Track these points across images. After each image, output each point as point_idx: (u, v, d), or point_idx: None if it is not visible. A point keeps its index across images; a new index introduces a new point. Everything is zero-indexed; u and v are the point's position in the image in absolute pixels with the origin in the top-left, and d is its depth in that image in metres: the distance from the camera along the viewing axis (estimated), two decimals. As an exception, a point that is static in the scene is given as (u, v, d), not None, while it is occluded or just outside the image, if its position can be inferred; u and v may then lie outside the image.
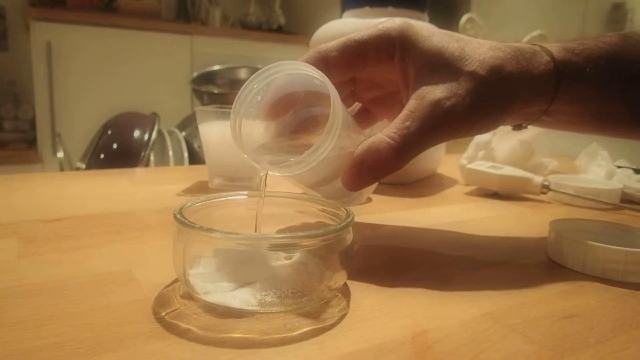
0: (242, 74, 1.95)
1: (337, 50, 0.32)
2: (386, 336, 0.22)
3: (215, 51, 2.45)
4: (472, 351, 0.21)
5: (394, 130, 0.30)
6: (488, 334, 0.22)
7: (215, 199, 0.29)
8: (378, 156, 0.29)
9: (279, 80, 0.30)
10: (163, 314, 0.23)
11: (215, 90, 1.76)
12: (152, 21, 2.46)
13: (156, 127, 1.20)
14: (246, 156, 0.29)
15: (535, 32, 0.93)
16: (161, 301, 0.24)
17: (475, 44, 0.32)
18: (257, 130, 0.32)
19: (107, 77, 2.27)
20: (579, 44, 0.33)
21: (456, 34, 0.33)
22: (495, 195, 0.54)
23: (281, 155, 0.31)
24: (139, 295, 0.25)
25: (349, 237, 0.26)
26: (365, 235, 0.37)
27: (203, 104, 1.68)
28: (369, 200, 0.49)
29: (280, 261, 0.25)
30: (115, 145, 1.19)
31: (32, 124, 2.32)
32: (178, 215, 0.24)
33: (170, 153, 1.18)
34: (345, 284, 0.27)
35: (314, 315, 0.23)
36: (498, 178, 0.53)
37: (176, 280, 0.26)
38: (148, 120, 1.23)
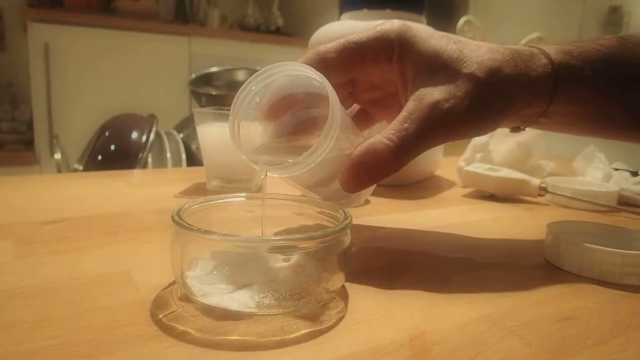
0: (240, 75, 1.95)
1: (335, 52, 0.32)
2: (384, 338, 0.22)
3: (214, 52, 2.45)
4: (469, 353, 0.21)
5: (393, 132, 0.30)
6: (486, 336, 0.22)
7: (213, 200, 0.29)
8: (376, 158, 0.29)
9: (277, 82, 0.30)
10: (160, 316, 0.23)
11: (213, 91, 1.76)
12: (150, 22, 2.46)
13: (154, 129, 1.19)
14: (244, 157, 0.29)
15: (533, 35, 0.93)
16: (159, 303, 0.24)
17: (473, 46, 0.32)
18: (256, 131, 0.32)
19: (104, 78, 2.27)
20: (576, 46, 0.33)
21: (454, 36, 0.33)
22: (492, 197, 0.54)
23: (280, 156, 0.31)
24: (136, 297, 0.25)
25: (347, 239, 0.26)
26: (363, 237, 0.37)
27: (201, 106, 1.68)
28: (367, 202, 0.49)
29: (278, 263, 0.25)
30: (112, 147, 1.18)
31: (30, 125, 2.32)
32: (176, 217, 0.24)
33: (168, 155, 1.18)
34: (343, 286, 0.27)
35: (311, 317, 0.23)
36: (495, 180, 0.53)
37: (174, 283, 0.26)
38: (146, 122, 1.22)
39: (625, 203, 0.52)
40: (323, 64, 0.32)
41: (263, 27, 2.97)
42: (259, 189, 0.29)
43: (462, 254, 0.35)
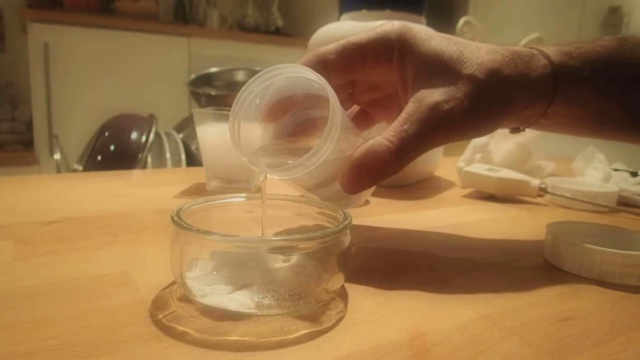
0: (240, 76, 1.95)
1: (335, 53, 0.32)
2: (383, 339, 0.22)
3: (213, 53, 2.45)
4: (469, 354, 0.21)
5: (393, 133, 0.30)
6: (485, 337, 0.22)
7: (212, 201, 0.29)
8: (377, 159, 0.29)
9: (277, 83, 0.30)
10: (160, 316, 0.23)
11: (213, 92, 1.76)
12: (150, 23, 2.46)
13: (153, 129, 1.19)
14: (245, 159, 0.29)
15: (533, 35, 0.93)
16: (158, 304, 0.24)
17: (473, 47, 0.32)
18: (256, 132, 0.32)
19: (104, 78, 2.27)
20: (576, 47, 0.33)
21: (454, 37, 0.33)
22: (492, 197, 0.54)
23: (280, 158, 0.31)
24: (135, 297, 0.25)
25: (347, 239, 0.26)
26: (363, 238, 0.37)
27: (200, 106, 1.68)
28: (367, 202, 0.49)
29: (278, 264, 0.25)
30: (112, 147, 1.18)
31: (29, 125, 2.32)
32: (175, 218, 0.24)
33: (168, 155, 1.18)
34: (342, 286, 0.27)
35: (311, 317, 0.23)
36: (495, 181, 0.53)
37: (173, 283, 0.26)
38: (145, 122, 1.22)
39: (624, 204, 0.53)
40: (323, 65, 0.32)
41: (263, 27, 2.97)
42: (259, 190, 0.29)
43: (461, 254, 0.35)
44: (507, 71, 0.31)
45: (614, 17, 2.39)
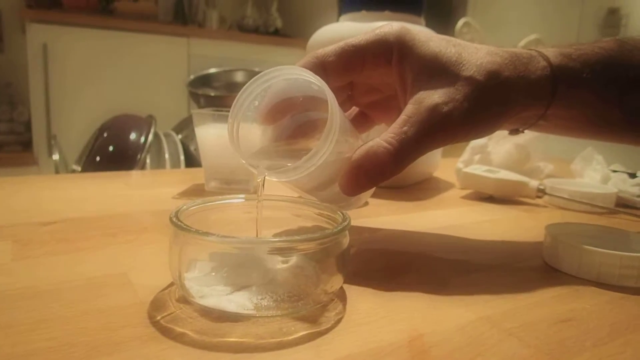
0: (239, 76, 1.95)
1: (334, 55, 0.32)
2: (382, 340, 0.22)
3: (212, 54, 2.45)
4: (468, 355, 0.21)
5: (392, 135, 0.30)
6: (484, 338, 0.22)
7: (211, 202, 0.29)
8: (376, 161, 0.29)
9: (276, 85, 0.30)
10: (158, 317, 0.23)
11: (212, 93, 1.76)
12: (149, 23, 2.46)
13: (152, 130, 1.19)
14: (243, 161, 0.29)
15: (532, 37, 0.93)
16: (156, 305, 0.24)
17: (472, 49, 0.32)
18: (255, 134, 0.32)
19: (103, 79, 2.27)
20: (575, 49, 0.33)
21: (453, 39, 0.33)
22: (491, 199, 0.54)
23: (279, 160, 0.31)
24: (134, 298, 0.25)
25: (346, 240, 0.26)
26: (362, 239, 0.37)
27: (200, 107, 1.68)
28: (366, 203, 0.49)
29: (277, 265, 0.25)
30: (111, 148, 1.18)
31: (28, 126, 2.32)
32: (174, 219, 0.24)
33: (167, 156, 1.18)
34: (341, 287, 0.27)
35: (310, 319, 0.23)
36: (494, 182, 0.53)
37: (172, 284, 0.26)
38: (144, 123, 1.22)
39: (623, 205, 0.53)
40: (322, 67, 0.32)
41: (262, 28, 2.97)
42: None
43: (460, 255, 0.35)
44: (506, 73, 0.31)
45: (612, 18, 2.40)
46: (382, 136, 0.30)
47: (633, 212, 0.50)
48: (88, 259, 0.31)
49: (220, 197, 0.30)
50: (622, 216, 0.50)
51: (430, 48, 0.31)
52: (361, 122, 0.39)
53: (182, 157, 1.19)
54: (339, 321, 0.23)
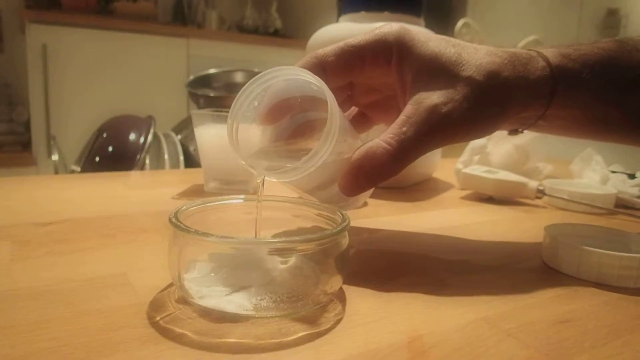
0: (239, 77, 1.95)
1: (334, 55, 0.32)
2: (382, 341, 0.22)
3: (212, 54, 2.45)
4: (467, 356, 0.21)
5: (391, 135, 0.30)
6: (483, 339, 0.22)
7: (211, 202, 0.29)
8: (375, 161, 0.29)
9: (276, 85, 0.30)
10: (158, 318, 0.23)
11: (212, 93, 1.75)
12: (149, 24, 2.46)
13: (152, 130, 1.19)
14: (243, 162, 0.29)
15: (531, 37, 0.93)
16: (156, 305, 0.24)
17: (471, 49, 0.32)
18: (254, 134, 0.32)
19: (102, 79, 2.27)
20: (575, 49, 0.33)
21: (453, 39, 0.33)
22: (490, 199, 0.54)
23: (278, 161, 0.31)
24: (133, 299, 0.25)
25: (345, 241, 0.26)
26: (361, 240, 0.37)
27: (199, 107, 1.68)
28: (365, 204, 0.49)
29: (276, 265, 0.25)
30: (110, 148, 1.18)
31: (27, 126, 2.31)
32: (173, 219, 0.24)
33: (166, 156, 1.18)
34: (341, 288, 0.27)
35: (309, 319, 0.23)
36: (493, 182, 0.53)
37: (171, 285, 0.26)
38: (144, 123, 1.22)
39: (622, 205, 0.53)
40: (321, 67, 0.32)
41: (261, 29, 2.97)
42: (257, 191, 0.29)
43: (460, 256, 0.35)
44: (505, 73, 0.31)
45: (612, 19, 2.40)
46: (381, 137, 0.30)
47: (632, 213, 0.50)
48: (87, 260, 0.31)
49: (219, 197, 0.30)
50: (621, 217, 0.50)
51: (430, 48, 0.31)
52: (361, 122, 0.39)
53: (181, 158, 1.19)
54: (338, 322, 0.23)
